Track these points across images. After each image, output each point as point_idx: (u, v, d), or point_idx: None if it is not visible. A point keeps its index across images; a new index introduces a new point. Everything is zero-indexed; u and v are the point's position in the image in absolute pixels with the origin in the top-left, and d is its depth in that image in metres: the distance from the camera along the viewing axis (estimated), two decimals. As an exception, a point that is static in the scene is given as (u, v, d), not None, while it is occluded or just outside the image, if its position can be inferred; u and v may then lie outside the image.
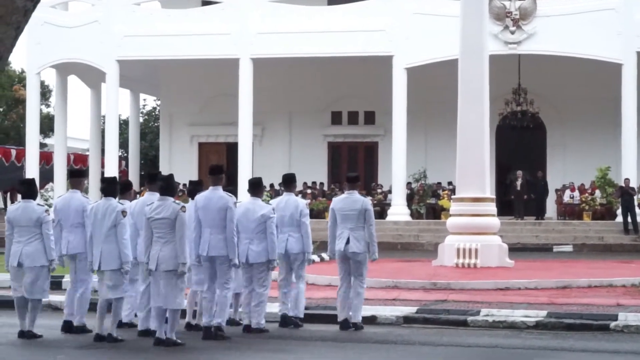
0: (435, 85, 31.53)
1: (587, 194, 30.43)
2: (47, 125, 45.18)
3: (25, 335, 10.94)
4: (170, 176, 10.92)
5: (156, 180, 11.39)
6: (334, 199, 12.11)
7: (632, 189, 28.41)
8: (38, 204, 11.27)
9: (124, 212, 10.81)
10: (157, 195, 10.87)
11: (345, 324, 11.54)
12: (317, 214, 29.59)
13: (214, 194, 10.97)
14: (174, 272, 10.30)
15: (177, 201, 10.54)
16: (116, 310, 10.77)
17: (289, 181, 12.31)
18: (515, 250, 22.77)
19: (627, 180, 28.50)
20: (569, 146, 33.86)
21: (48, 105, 50.28)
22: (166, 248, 10.32)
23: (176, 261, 10.27)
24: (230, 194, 11.05)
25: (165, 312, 10.41)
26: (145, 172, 17.62)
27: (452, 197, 22.05)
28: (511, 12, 29.52)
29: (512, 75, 31.09)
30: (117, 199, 11.12)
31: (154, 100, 48.16)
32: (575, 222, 29.77)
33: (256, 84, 31.21)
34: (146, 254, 10.49)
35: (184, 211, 10.42)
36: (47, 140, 46.66)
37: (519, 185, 31.03)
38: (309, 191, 32.15)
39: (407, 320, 12.13)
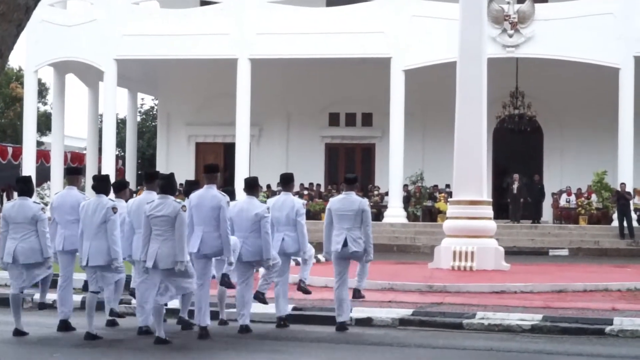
0: (433, 87, 31.55)
1: (583, 198, 30.45)
2: (44, 123, 45.15)
3: (40, 306, 11.68)
4: (171, 175, 10.94)
5: (154, 179, 11.42)
6: (331, 200, 12.08)
7: (628, 193, 28.42)
8: (34, 202, 11.29)
9: (114, 209, 10.85)
10: (154, 194, 10.92)
11: (342, 326, 11.56)
12: (313, 215, 29.58)
13: (208, 192, 10.99)
14: (172, 270, 10.33)
15: (177, 200, 10.57)
16: (119, 287, 11.40)
17: (286, 181, 12.29)
18: (511, 253, 22.78)
19: (623, 184, 28.52)
20: (566, 150, 33.90)
21: (45, 104, 50.24)
22: (165, 246, 10.34)
23: (174, 259, 10.29)
24: (224, 193, 11.06)
25: (163, 310, 10.48)
26: (144, 171, 17.61)
27: (449, 199, 22.06)
28: (509, 16, 29.53)
29: (509, 79, 31.12)
30: (108, 196, 11.16)
31: (152, 99, 48.14)
32: (571, 226, 29.76)
33: (254, 84, 31.21)
34: (143, 251, 10.50)
35: (185, 210, 10.46)
36: (44, 139, 46.62)
37: (516, 188, 31.04)
38: (305, 192, 32.15)
39: (403, 322, 12.14)
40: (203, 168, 11.56)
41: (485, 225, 19.51)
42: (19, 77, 47.59)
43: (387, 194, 31.69)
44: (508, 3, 29.67)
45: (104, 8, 32.16)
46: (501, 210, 29.87)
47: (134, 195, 22.15)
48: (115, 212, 10.83)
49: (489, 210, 19.86)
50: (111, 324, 11.60)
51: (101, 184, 11.26)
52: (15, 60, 50.38)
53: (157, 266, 10.36)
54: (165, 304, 10.70)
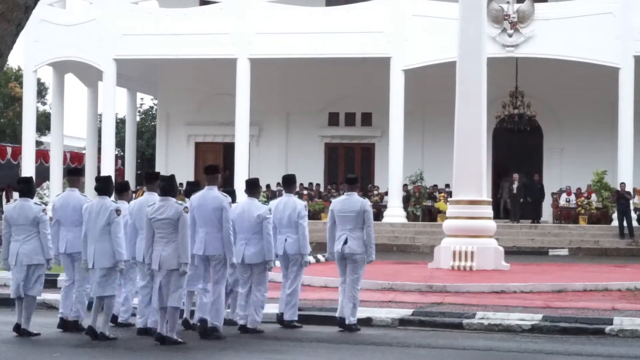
0: (432, 87, 31.53)
1: (583, 198, 30.45)
2: (43, 123, 45.11)
3: (21, 333, 10.94)
4: (172, 177, 10.92)
5: (155, 180, 11.38)
6: (334, 201, 12.10)
7: (628, 193, 28.42)
8: (35, 203, 11.27)
9: (118, 211, 10.81)
10: (155, 195, 10.89)
11: (344, 323, 11.54)
12: (313, 215, 29.58)
13: (209, 193, 10.99)
14: (176, 271, 10.31)
15: (179, 202, 10.56)
16: (109, 309, 10.80)
17: (289, 182, 12.28)
18: (511, 253, 22.77)
19: (622, 184, 28.51)
20: (565, 149, 33.89)
21: (44, 103, 50.21)
22: (168, 248, 10.33)
23: (178, 261, 10.30)
24: (225, 194, 11.06)
25: (167, 311, 10.43)
26: (144, 172, 17.58)
27: (449, 199, 22.05)
28: (509, 15, 29.52)
29: (509, 78, 31.10)
30: (111, 197, 11.13)
31: (151, 99, 48.12)
32: (571, 226, 29.76)
33: (253, 84, 31.19)
34: (147, 254, 10.49)
35: (187, 212, 10.46)
36: (43, 139, 46.59)
37: (515, 188, 31.05)
38: (305, 192, 32.13)
39: (403, 322, 12.13)
40: (204, 169, 11.55)
41: (485, 225, 19.50)
42: (18, 76, 47.55)
43: (386, 193, 31.68)
44: (508, 2, 29.65)
45: (103, 7, 32.13)
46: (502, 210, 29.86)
47: (134, 195, 22.16)
48: (119, 215, 10.79)
49: (488, 210, 19.87)
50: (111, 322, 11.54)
51: (104, 185, 11.22)
52: (14, 59, 50.30)
53: (162, 268, 10.34)
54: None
